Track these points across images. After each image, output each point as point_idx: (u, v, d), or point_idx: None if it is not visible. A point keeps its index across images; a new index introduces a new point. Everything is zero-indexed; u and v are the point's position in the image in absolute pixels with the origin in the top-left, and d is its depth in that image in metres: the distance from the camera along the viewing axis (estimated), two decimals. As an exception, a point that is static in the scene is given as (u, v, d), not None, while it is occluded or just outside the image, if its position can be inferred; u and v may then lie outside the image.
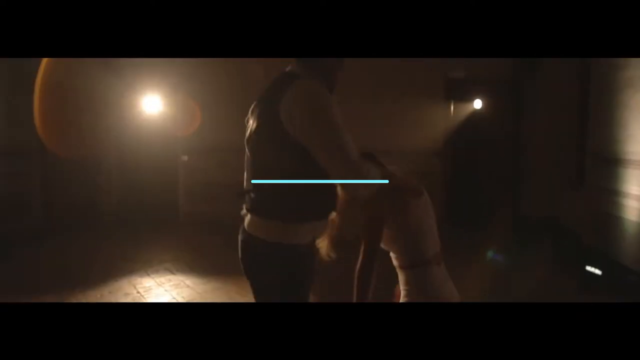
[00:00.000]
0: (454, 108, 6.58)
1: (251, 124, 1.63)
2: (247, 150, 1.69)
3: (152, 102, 6.78)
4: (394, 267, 1.91)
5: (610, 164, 4.52)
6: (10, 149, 5.58)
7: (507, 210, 6.26)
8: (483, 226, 6.32)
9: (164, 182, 7.04)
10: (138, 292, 4.14)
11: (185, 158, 6.98)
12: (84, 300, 3.88)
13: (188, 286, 4.32)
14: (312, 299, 1.65)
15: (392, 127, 6.39)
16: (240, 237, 1.66)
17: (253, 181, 1.63)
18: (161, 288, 4.27)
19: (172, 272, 4.68)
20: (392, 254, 1.89)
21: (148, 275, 4.60)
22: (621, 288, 3.97)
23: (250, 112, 1.68)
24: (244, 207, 1.67)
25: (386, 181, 1.61)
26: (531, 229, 5.73)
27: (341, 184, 1.55)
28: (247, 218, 1.64)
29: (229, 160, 6.93)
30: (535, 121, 6.15)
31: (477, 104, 6.42)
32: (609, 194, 4.53)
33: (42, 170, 5.99)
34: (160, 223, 6.75)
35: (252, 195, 1.61)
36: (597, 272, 4.14)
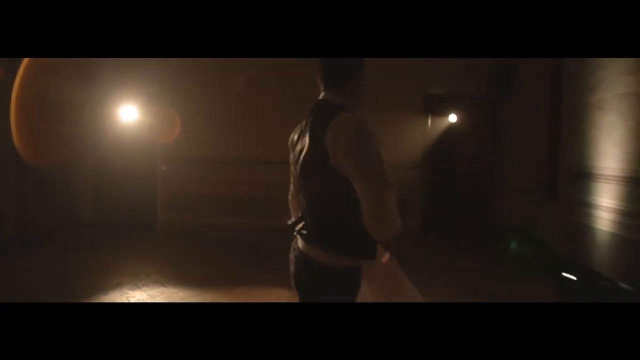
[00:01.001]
0: (431, 122, 6.86)
1: (297, 151, 1.73)
2: (295, 171, 1.80)
3: (130, 110, 6.65)
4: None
5: (582, 178, 4.88)
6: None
7: (484, 222, 6.57)
8: (459, 237, 6.61)
9: (141, 191, 6.89)
10: (132, 306, 4.06)
11: (164, 167, 6.87)
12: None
13: (182, 298, 4.27)
14: None
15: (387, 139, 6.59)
16: (293, 254, 1.79)
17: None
18: (154, 301, 4.19)
19: (162, 285, 4.60)
20: None
21: (138, 287, 4.50)
22: (595, 293, 4.29)
23: (293, 138, 1.80)
24: (296, 229, 1.78)
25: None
26: (506, 239, 6.05)
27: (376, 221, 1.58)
28: (303, 243, 1.74)
29: (208, 169, 6.93)
30: (511, 136, 6.52)
31: (455, 118, 6.72)
32: (581, 206, 4.89)
33: (17, 181, 5.72)
34: (138, 233, 6.60)
35: (310, 226, 1.71)
36: (573, 277, 4.45)
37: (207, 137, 6.82)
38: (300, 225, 1.73)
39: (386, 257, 1.79)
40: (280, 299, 4.31)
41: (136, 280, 4.70)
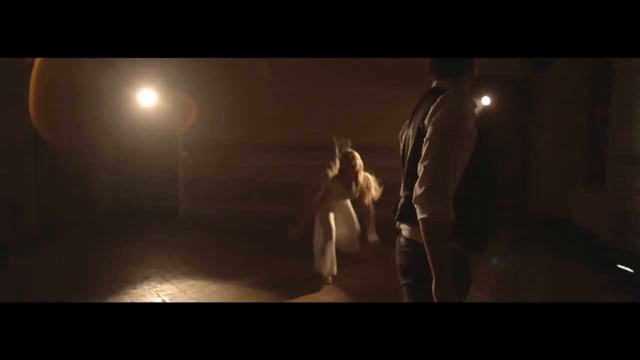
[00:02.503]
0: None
1: (405, 139, 1.79)
2: (402, 162, 1.82)
3: (148, 95, 6.41)
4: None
5: (634, 163, 4.58)
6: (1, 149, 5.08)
7: (520, 209, 6.29)
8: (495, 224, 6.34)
9: (162, 179, 6.67)
10: (163, 300, 3.85)
11: (185, 154, 6.63)
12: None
13: (214, 292, 4.06)
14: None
15: (401, 123, 6.31)
16: (399, 246, 1.77)
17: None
18: (185, 294, 3.99)
19: (192, 278, 4.39)
20: None
21: (167, 281, 4.30)
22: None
23: (403, 130, 1.84)
24: (395, 218, 1.77)
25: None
26: (546, 227, 5.78)
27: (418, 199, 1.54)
28: (405, 227, 1.73)
29: (231, 155, 6.68)
30: (549, 119, 6.20)
31: (487, 101, 6.39)
32: (631, 192, 4.59)
33: (35, 171, 5.51)
34: (161, 222, 6.40)
35: (405, 205, 1.70)
36: (629, 269, 4.19)
37: (230, 123, 6.55)
38: (399, 213, 1.72)
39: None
40: (314, 292, 4.10)
41: (164, 273, 4.50)
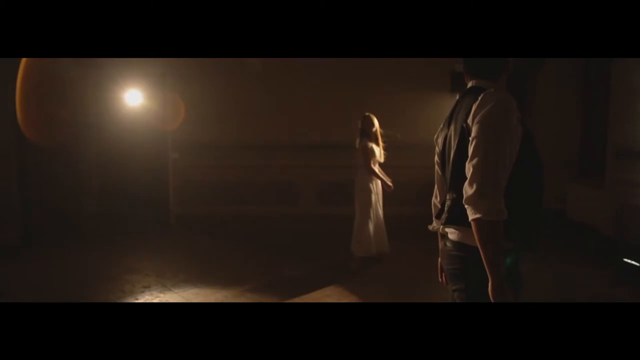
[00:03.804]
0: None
1: (443, 140, 1.77)
2: (440, 162, 1.81)
3: (135, 95, 6.18)
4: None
5: (634, 157, 4.61)
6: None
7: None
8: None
9: (152, 181, 6.41)
10: (168, 311, 3.66)
11: (176, 155, 6.39)
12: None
13: (221, 300, 3.88)
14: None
15: (398, 120, 6.22)
16: (447, 249, 1.73)
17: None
18: (191, 303, 3.80)
19: (195, 285, 4.19)
20: None
21: (169, 289, 4.10)
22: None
23: (438, 133, 1.83)
24: (441, 222, 1.72)
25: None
26: (544, 222, 5.81)
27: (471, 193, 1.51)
28: (452, 230, 1.69)
29: (223, 157, 6.47)
30: (544, 112, 6.22)
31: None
32: (632, 186, 4.64)
33: (20, 178, 5.20)
34: (152, 226, 6.15)
35: (452, 207, 1.66)
36: (635, 263, 4.22)
37: (222, 123, 6.34)
38: (445, 216, 1.68)
39: None
40: (329, 296, 3.97)
41: (164, 281, 4.29)
